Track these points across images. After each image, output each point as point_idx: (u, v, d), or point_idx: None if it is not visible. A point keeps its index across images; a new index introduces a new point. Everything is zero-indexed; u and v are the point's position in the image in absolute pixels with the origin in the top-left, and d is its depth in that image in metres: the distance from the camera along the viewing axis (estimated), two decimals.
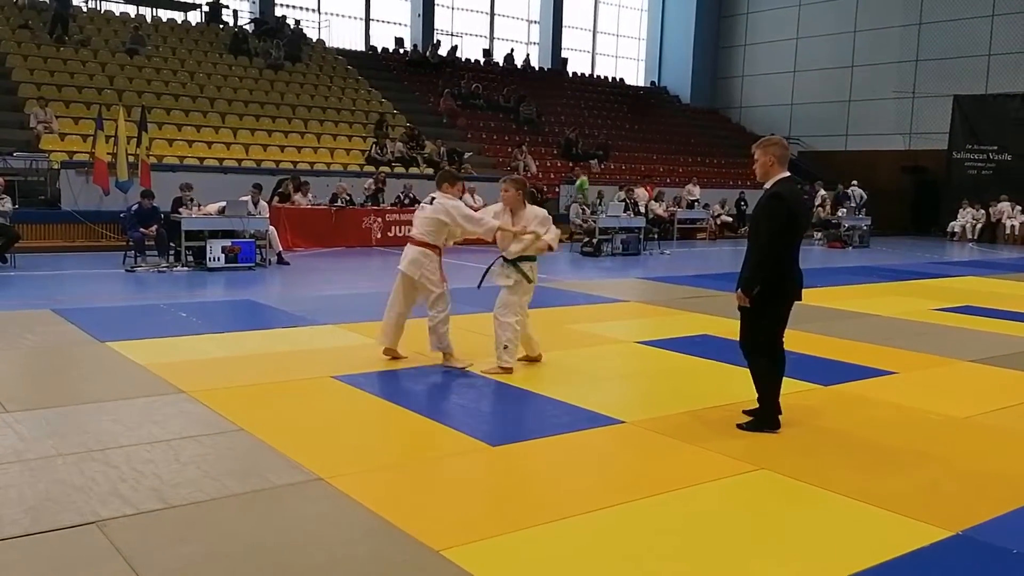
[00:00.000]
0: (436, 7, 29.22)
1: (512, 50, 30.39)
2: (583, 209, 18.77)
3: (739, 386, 6.18)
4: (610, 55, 34.99)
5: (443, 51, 28.14)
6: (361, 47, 28.01)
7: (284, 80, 22.26)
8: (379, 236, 17.18)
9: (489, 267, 6.78)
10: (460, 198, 6.97)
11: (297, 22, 25.19)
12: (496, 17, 31.86)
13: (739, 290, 5.15)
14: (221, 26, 24.06)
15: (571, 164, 23.85)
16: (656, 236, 19.84)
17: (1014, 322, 9.70)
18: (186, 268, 12.67)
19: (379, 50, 27.91)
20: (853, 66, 29.14)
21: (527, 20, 32.70)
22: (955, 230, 24.93)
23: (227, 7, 25.01)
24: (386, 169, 19.26)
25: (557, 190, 21.37)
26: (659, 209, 21.47)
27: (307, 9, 27.31)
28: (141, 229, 12.64)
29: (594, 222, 17.74)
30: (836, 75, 29.55)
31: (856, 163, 26.91)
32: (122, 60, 20.09)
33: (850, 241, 21.24)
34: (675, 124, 31.00)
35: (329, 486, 4.10)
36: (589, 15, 34.16)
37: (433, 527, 3.65)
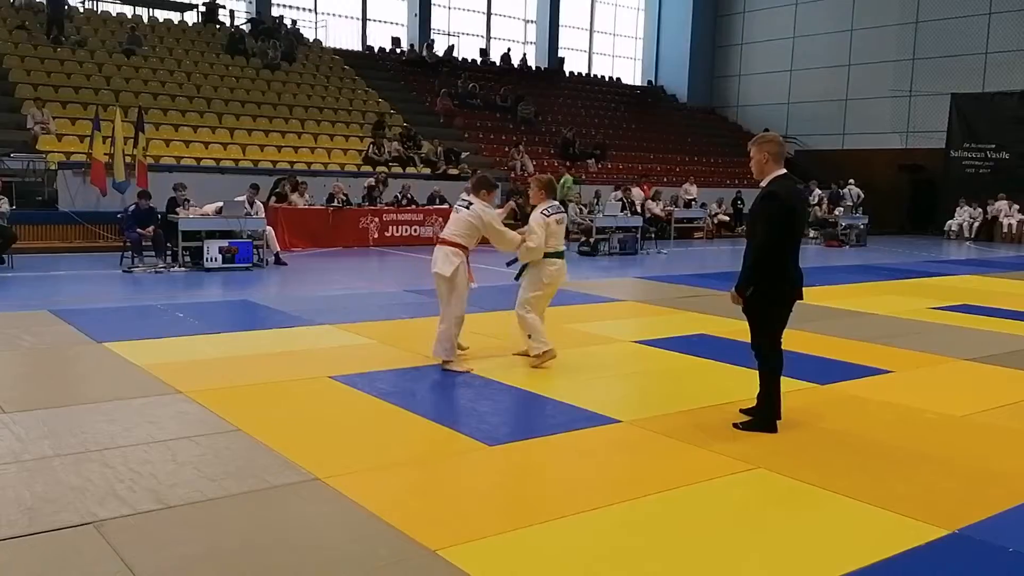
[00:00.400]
0: (433, 6, 29.21)
1: (509, 49, 30.39)
2: (580, 208, 18.77)
3: (736, 385, 6.20)
4: (607, 54, 35.01)
5: (440, 51, 28.15)
6: (358, 47, 28.00)
7: (281, 80, 22.25)
8: (376, 236, 17.17)
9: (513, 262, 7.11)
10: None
11: (294, 22, 25.17)
12: (493, 16, 31.86)
13: (733, 290, 5.13)
14: (218, 26, 24.04)
15: (568, 163, 23.85)
16: (653, 235, 19.85)
17: (1011, 320, 9.71)
18: (183, 268, 12.67)
19: (376, 50, 27.90)
20: (850, 65, 29.16)
21: (524, 19, 32.70)
22: (952, 229, 24.95)
23: (223, 7, 24.99)
24: (383, 169, 19.26)
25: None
26: (656, 208, 21.47)
27: (304, 9, 27.30)
28: (138, 230, 12.63)
29: (591, 221, 17.74)
30: (833, 74, 29.56)
31: (853, 162, 26.92)
32: (119, 60, 20.07)
33: (847, 240, 21.26)
34: (672, 123, 31.01)
35: (326, 486, 4.10)
36: (586, 14, 34.16)
37: (430, 527, 3.65)
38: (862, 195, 24.70)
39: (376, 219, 17.25)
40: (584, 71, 33.35)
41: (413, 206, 18.05)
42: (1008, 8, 25.33)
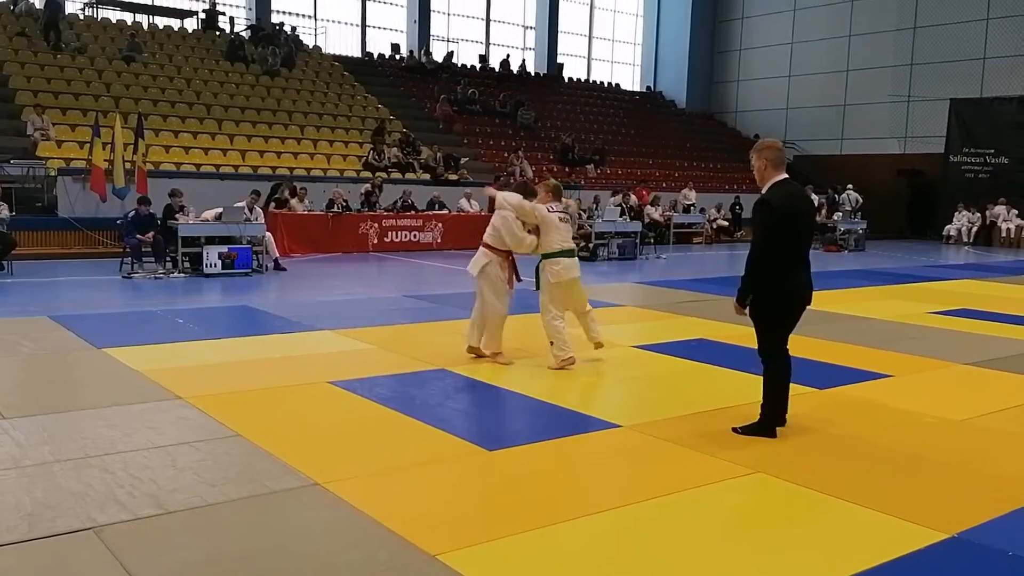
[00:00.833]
0: (432, 13, 29.27)
1: (508, 55, 30.46)
2: (580, 213, 18.77)
3: (735, 390, 6.21)
4: (606, 60, 35.07)
5: (439, 57, 28.20)
6: (357, 53, 28.05)
7: (280, 86, 22.29)
8: (376, 242, 17.18)
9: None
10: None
11: (293, 28, 25.21)
12: (492, 23, 31.92)
13: (735, 301, 5.15)
14: (217, 33, 24.08)
15: (567, 169, 23.88)
16: (652, 240, 19.86)
17: (1010, 325, 9.72)
18: (183, 274, 12.68)
19: (375, 56, 27.96)
20: (848, 70, 29.23)
21: (523, 26, 32.77)
22: (951, 233, 24.99)
23: (223, 14, 25.04)
24: (383, 175, 19.28)
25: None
26: (655, 213, 21.49)
27: (303, 15, 27.35)
28: (138, 236, 12.64)
29: (590, 227, 17.75)
30: (831, 79, 29.63)
31: (852, 167, 26.97)
32: (119, 67, 20.10)
33: (846, 245, 21.28)
34: (671, 129, 31.06)
35: (326, 491, 4.11)
36: (585, 20, 34.24)
37: (429, 531, 3.66)
38: (861, 200, 24.74)
39: (376, 225, 17.26)
40: (583, 77, 33.42)
41: (413, 212, 18.06)
42: (1006, 13, 25.40)
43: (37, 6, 20.68)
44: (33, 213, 15.11)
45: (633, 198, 20.96)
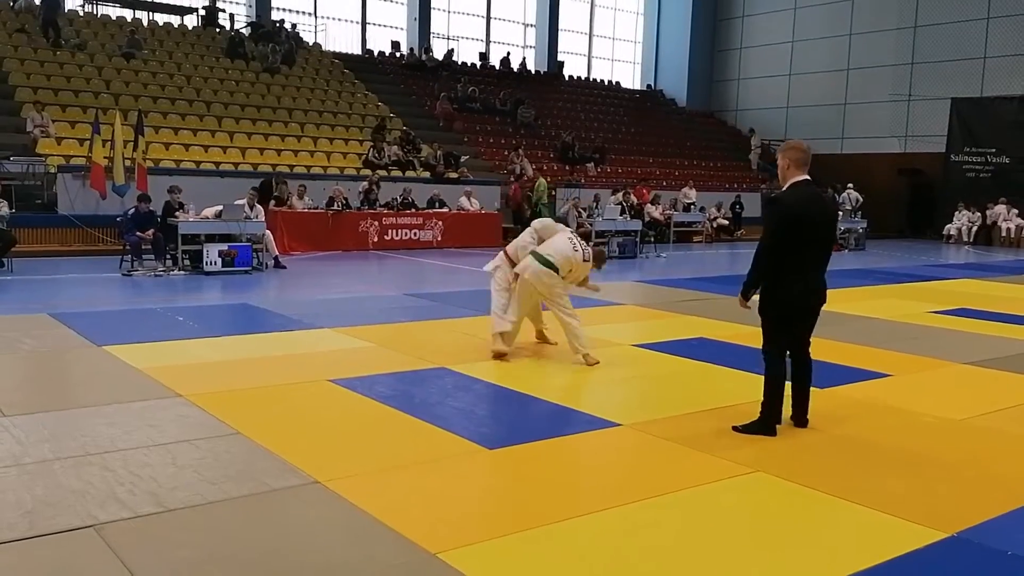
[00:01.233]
0: (432, 10, 29.26)
1: (508, 53, 30.44)
2: (579, 212, 18.79)
3: (735, 389, 6.21)
4: (606, 58, 35.06)
5: (439, 54, 28.19)
6: (358, 51, 28.03)
7: (280, 84, 22.28)
8: (376, 240, 17.19)
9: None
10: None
11: (293, 26, 25.20)
12: (492, 20, 31.90)
13: (739, 295, 5.21)
14: (217, 30, 24.07)
15: (568, 167, 23.88)
16: (652, 239, 19.87)
17: (1010, 324, 9.72)
18: (182, 272, 12.68)
19: (375, 54, 27.94)
20: (848, 69, 29.23)
21: (523, 23, 32.75)
22: (951, 233, 24.99)
23: (223, 11, 25.02)
24: (382, 172, 19.27)
25: (554, 193, 21.40)
26: (655, 212, 21.50)
27: (304, 13, 27.34)
28: (138, 233, 12.64)
29: (590, 225, 17.76)
30: (832, 78, 29.63)
31: (852, 166, 26.96)
32: (119, 64, 20.09)
33: (846, 244, 21.28)
34: (671, 127, 31.05)
35: (326, 489, 4.11)
36: (585, 19, 34.22)
37: (430, 530, 3.66)
38: (861, 199, 24.75)
39: (376, 223, 17.26)
40: (583, 75, 33.40)
41: (413, 210, 18.06)
42: (1006, 13, 25.40)
43: (36, 2, 20.65)
44: (33, 210, 15.12)
45: (633, 197, 20.96)
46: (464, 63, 29.21)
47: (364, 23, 28.89)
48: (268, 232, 13.86)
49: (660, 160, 27.28)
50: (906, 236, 26.59)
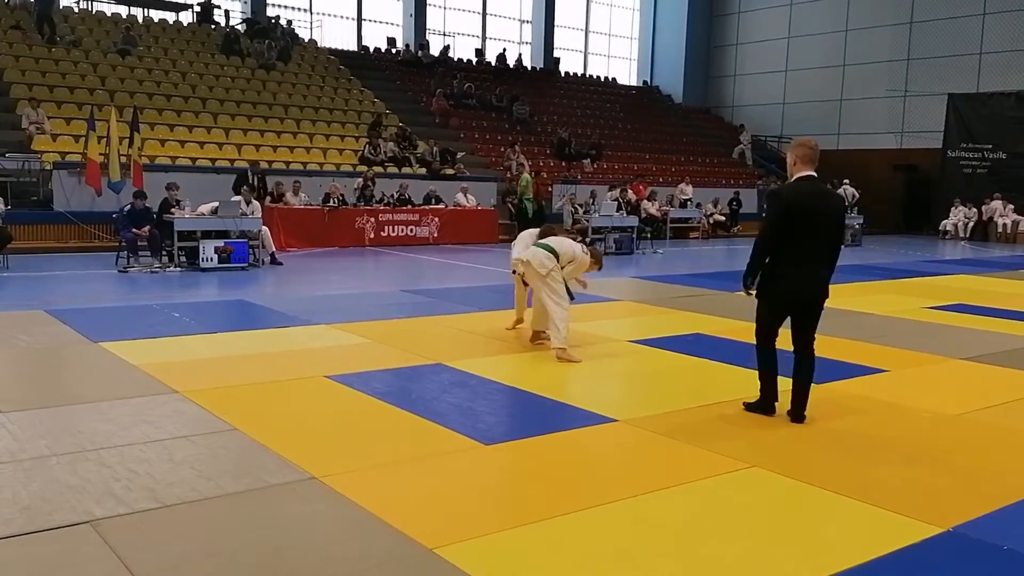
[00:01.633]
0: (428, 7, 29.22)
1: (504, 50, 30.40)
2: (575, 208, 18.79)
3: (731, 384, 6.22)
4: (602, 55, 35.04)
5: (435, 51, 28.16)
6: (353, 47, 27.99)
7: (276, 80, 22.24)
8: (372, 236, 17.18)
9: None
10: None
11: (289, 22, 25.16)
12: (488, 17, 31.87)
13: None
14: (213, 26, 24.01)
15: (564, 163, 23.87)
16: (649, 235, 19.87)
17: (1006, 320, 9.75)
18: (179, 268, 12.66)
19: (371, 50, 27.90)
20: (845, 65, 29.25)
21: (519, 20, 32.72)
22: (947, 228, 25.03)
23: (219, 7, 24.97)
24: (379, 169, 19.25)
25: (550, 189, 21.39)
26: (652, 208, 21.50)
27: (299, 9, 27.29)
28: (134, 230, 12.61)
29: (587, 221, 17.76)
30: (828, 74, 29.65)
31: (848, 162, 26.98)
32: (114, 61, 20.04)
33: (844, 241, 21.27)
34: (667, 123, 31.05)
35: (323, 485, 4.11)
36: (581, 15, 34.20)
37: (427, 525, 3.66)
38: (857, 195, 24.78)
39: (372, 219, 17.25)
40: (580, 71, 33.38)
41: (409, 206, 18.05)
42: (1003, 8, 25.42)
43: None
44: (28, 207, 15.10)
45: (630, 193, 20.96)
46: (460, 59, 29.19)
47: (360, 19, 28.86)
48: (266, 228, 13.85)
49: (656, 156, 27.28)
50: (902, 232, 26.63)
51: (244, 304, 9.85)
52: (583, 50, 34.44)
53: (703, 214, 23.12)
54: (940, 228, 25.20)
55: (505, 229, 19.33)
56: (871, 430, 5.34)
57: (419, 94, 25.48)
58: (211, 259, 12.66)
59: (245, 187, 14.20)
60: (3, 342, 7.13)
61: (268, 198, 15.91)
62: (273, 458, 4.46)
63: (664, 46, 34.03)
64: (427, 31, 29.17)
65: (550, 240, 7.44)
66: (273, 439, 4.74)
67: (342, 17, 28.45)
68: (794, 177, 5.32)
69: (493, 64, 29.64)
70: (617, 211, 18.23)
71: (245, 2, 25.96)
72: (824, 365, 7.03)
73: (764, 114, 31.50)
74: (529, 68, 30.94)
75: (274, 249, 13.96)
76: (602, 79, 33.46)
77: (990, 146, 25.44)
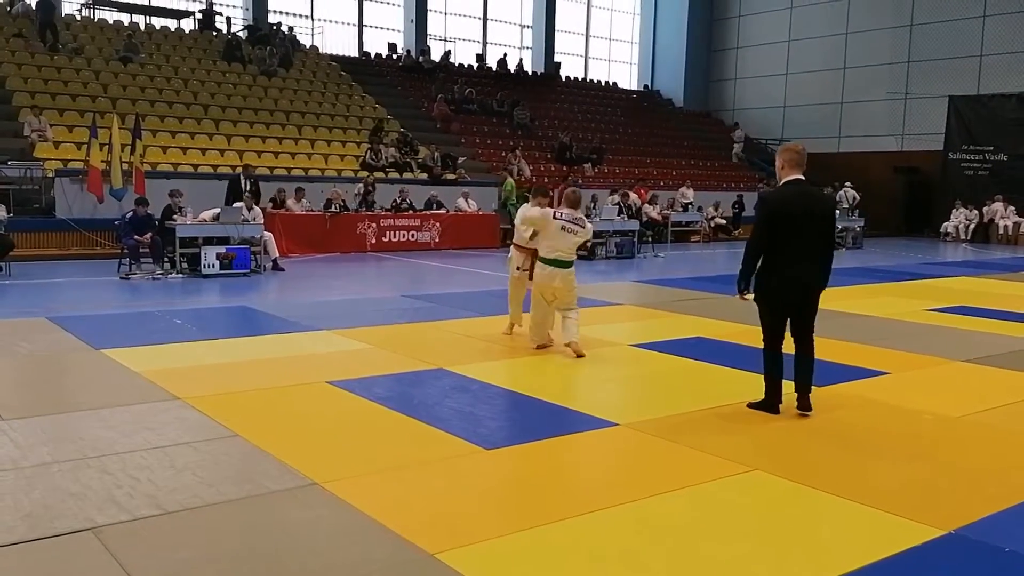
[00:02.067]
0: (429, 12, 29.26)
1: (505, 55, 30.45)
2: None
3: (733, 388, 6.22)
4: (603, 59, 35.07)
5: (436, 56, 28.20)
6: (354, 53, 28.03)
7: (278, 87, 22.28)
8: (373, 241, 17.18)
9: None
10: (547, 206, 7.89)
11: (290, 28, 25.19)
12: (489, 22, 31.92)
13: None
14: (214, 33, 24.06)
15: (565, 168, 23.88)
16: (650, 239, 19.87)
17: (1007, 322, 9.74)
18: (181, 275, 12.68)
19: (372, 56, 27.95)
20: (845, 68, 29.26)
21: (520, 25, 32.76)
22: (948, 231, 25.01)
23: (220, 14, 25.03)
24: (380, 174, 19.27)
25: (552, 193, 21.36)
26: (653, 212, 21.51)
27: (300, 15, 27.35)
28: (136, 236, 12.64)
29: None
30: (828, 77, 29.66)
31: (849, 165, 26.99)
32: (116, 68, 20.08)
33: (843, 242, 21.30)
34: (668, 127, 31.07)
35: (324, 491, 4.11)
36: (582, 19, 34.24)
37: (428, 530, 3.66)
38: (858, 197, 24.78)
39: (373, 224, 17.26)
40: (580, 76, 33.42)
41: (410, 211, 18.06)
42: (1003, 10, 25.42)
43: (34, 7, 20.65)
44: (31, 214, 15.11)
45: (632, 196, 20.97)
46: (461, 64, 29.22)
47: (361, 25, 28.91)
48: (268, 234, 13.87)
49: (657, 160, 27.30)
50: (903, 234, 26.61)
51: (246, 310, 9.86)
52: (584, 55, 34.48)
53: (704, 218, 23.13)
54: (941, 230, 25.18)
55: (506, 234, 19.34)
56: (872, 432, 5.34)
57: (420, 99, 25.51)
58: (213, 265, 12.67)
59: (247, 194, 14.20)
60: (5, 349, 7.14)
61: (270, 204, 15.91)
62: (275, 464, 4.47)
63: (664, 50, 34.06)
64: (428, 36, 29.21)
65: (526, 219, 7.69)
66: (275, 445, 4.75)
67: (343, 23, 28.51)
68: (782, 181, 5.48)
69: (494, 69, 29.69)
70: (618, 215, 18.24)
71: (246, 9, 26.01)
72: (825, 367, 7.04)
73: (765, 117, 31.51)
74: (530, 73, 30.98)
75: (277, 255, 13.97)
76: (603, 83, 33.50)
77: (991, 148, 25.43)
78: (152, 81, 20.17)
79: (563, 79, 31.86)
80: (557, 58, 32.25)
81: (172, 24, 24.18)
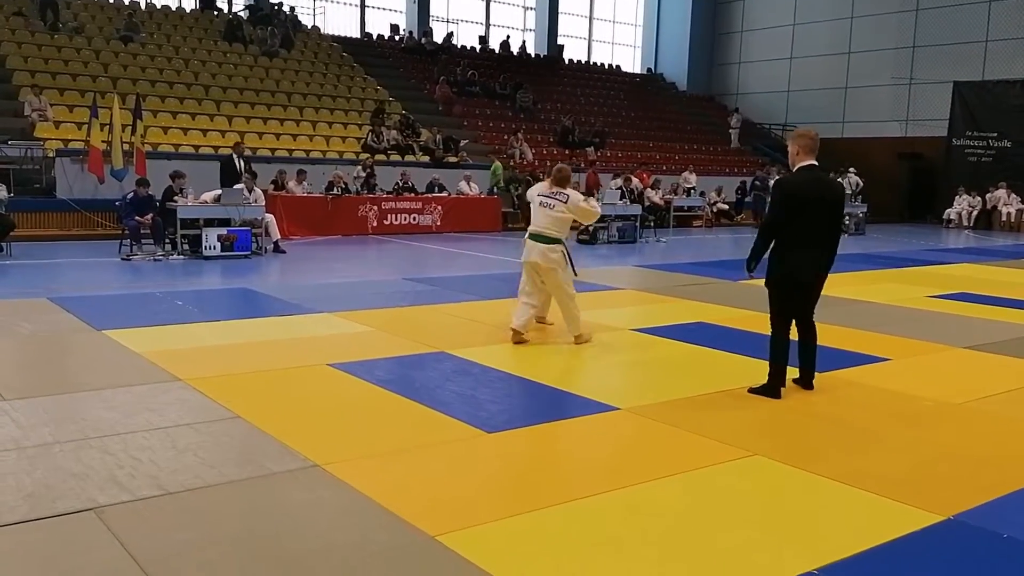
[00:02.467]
0: None
1: (508, 37, 30.31)
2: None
3: (734, 373, 6.22)
4: (606, 42, 34.92)
5: (439, 38, 28.06)
6: (356, 34, 27.92)
7: (279, 67, 22.19)
8: (375, 224, 17.16)
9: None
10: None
11: (292, 8, 25.09)
12: (492, 3, 31.76)
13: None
14: (215, 13, 23.96)
15: (568, 152, 23.82)
16: (652, 224, 19.84)
17: (1009, 309, 9.73)
18: (182, 257, 12.67)
19: (374, 37, 27.81)
20: (850, 52, 29.11)
21: (523, 7, 32.60)
22: (951, 217, 24.96)
23: None
24: (382, 157, 19.22)
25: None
26: (655, 197, 21.46)
27: None
28: (136, 217, 12.62)
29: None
30: (833, 61, 29.51)
31: (853, 150, 26.89)
32: (116, 47, 20.00)
33: (846, 228, 21.24)
34: (672, 111, 30.96)
35: (325, 473, 4.12)
36: (585, 1, 34.06)
37: (429, 513, 3.67)
38: (861, 183, 24.70)
39: (375, 207, 17.24)
40: (583, 59, 33.27)
41: (412, 194, 18.03)
42: None
43: None
44: (31, 195, 15.10)
45: (635, 181, 20.92)
46: (463, 46, 29.09)
47: (363, 6, 28.77)
48: (270, 216, 13.84)
49: (660, 144, 27.21)
50: (906, 220, 26.56)
51: (247, 292, 9.86)
52: (587, 37, 34.32)
53: (706, 202, 23.08)
54: (944, 217, 25.13)
55: (508, 217, 19.32)
56: (873, 418, 5.34)
57: (422, 82, 25.41)
58: (214, 247, 12.66)
59: (246, 175, 14.16)
60: (6, 330, 7.15)
61: (271, 186, 15.87)
62: (276, 446, 4.47)
63: (668, 33, 33.88)
64: (431, 18, 29.06)
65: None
66: (276, 427, 4.75)
67: (345, 4, 28.38)
68: (796, 167, 5.56)
69: (497, 51, 29.55)
70: (621, 199, 18.19)
71: None
72: (827, 353, 7.04)
73: (769, 102, 31.39)
74: (533, 56, 30.85)
75: (279, 237, 13.96)
76: (606, 67, 33.35)
77: (995, 134, 25.33)
78: (153, 61, 20.10)
79: (566, 62, 31.73)
80: (560, 41, 32.10)
81: (173, 3, 24.07)
